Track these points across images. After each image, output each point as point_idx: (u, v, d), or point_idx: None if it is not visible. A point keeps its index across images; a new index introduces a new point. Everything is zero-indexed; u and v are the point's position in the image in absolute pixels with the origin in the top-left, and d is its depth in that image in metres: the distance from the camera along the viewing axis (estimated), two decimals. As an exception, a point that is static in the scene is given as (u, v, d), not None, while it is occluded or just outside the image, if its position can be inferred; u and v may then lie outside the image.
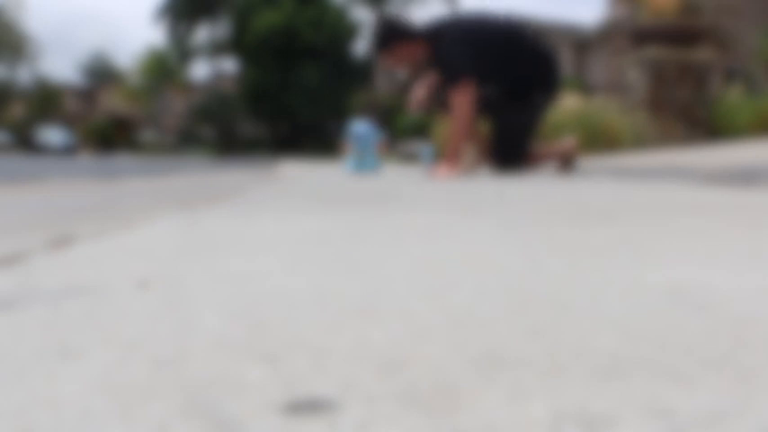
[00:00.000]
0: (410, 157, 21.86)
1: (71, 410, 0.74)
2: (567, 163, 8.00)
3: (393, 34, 7.52)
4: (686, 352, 0.92)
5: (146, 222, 2.48)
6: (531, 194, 4.18)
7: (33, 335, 0.99)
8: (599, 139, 16.02)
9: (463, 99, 7.19)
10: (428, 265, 1.56)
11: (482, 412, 0.73)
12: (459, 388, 0.79)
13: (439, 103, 7.83)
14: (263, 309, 1.15)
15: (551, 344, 0.95)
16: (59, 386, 0.80)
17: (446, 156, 7.33)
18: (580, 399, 0.76)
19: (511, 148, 7.69)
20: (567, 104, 16.11)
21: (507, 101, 7.61)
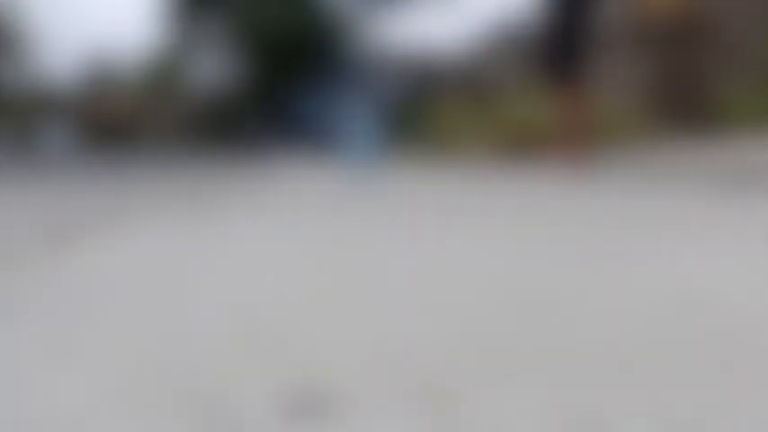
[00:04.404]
0: None
1: (72, 408, 0.74)
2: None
3: None
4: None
5: (145, 225, 2.48)
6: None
7: (35, 334, 1.00)
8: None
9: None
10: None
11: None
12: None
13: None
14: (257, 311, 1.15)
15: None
16: (61, 385, 0.81)
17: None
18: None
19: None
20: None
21: None
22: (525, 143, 11.48)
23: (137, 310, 1.10)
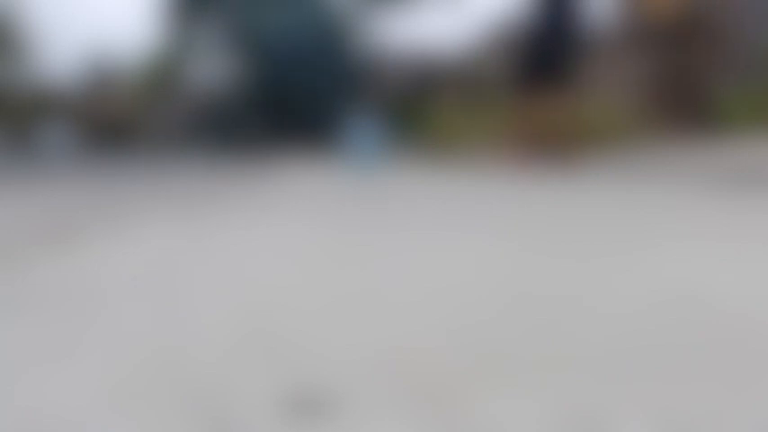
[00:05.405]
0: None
1: (73, 407, 0.74)
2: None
3: None
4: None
5: (145, 226, 2.48)
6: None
7: (35, 334, 1.00)
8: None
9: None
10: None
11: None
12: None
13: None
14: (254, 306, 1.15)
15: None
16: (61, 384, 0.81)
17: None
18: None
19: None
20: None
21: None
22: (519, 143, 11.49)
23: (136, 311, 1.10)
